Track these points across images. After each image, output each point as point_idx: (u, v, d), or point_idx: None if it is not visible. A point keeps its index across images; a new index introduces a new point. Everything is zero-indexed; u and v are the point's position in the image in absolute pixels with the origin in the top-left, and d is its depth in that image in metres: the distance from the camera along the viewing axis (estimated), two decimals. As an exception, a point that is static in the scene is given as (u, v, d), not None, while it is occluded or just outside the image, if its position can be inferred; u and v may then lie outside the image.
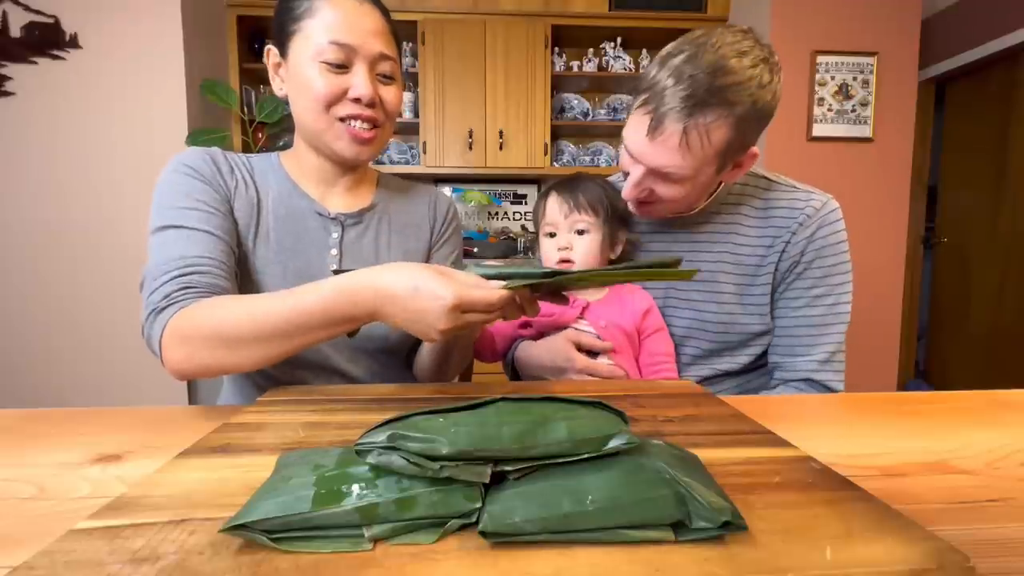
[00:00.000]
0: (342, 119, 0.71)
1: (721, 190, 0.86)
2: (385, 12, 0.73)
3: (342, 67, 0.69)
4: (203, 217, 0.67)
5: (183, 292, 0.60)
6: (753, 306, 0.85)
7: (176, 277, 0.61)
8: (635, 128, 0.73)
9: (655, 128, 0.70)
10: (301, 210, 0.77)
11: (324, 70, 0.68)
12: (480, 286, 0.50)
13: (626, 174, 0.80)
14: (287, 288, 0.72)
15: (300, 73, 0.70)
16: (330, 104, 0.70)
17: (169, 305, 0.59)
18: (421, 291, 0.49)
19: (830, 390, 0.83)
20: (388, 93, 0.73)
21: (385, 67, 0.72)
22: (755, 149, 0.76)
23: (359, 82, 0.69)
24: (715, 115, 0.68)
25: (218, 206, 0.70)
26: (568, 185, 0.87)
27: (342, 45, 0.68)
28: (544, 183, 3.16)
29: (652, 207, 0.82)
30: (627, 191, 0.79)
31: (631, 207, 0.85)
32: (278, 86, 0.75)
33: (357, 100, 0.70)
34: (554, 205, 0.86)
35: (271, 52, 0.74)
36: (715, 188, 0.85)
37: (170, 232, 0.65)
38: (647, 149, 0.73)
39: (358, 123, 0.71)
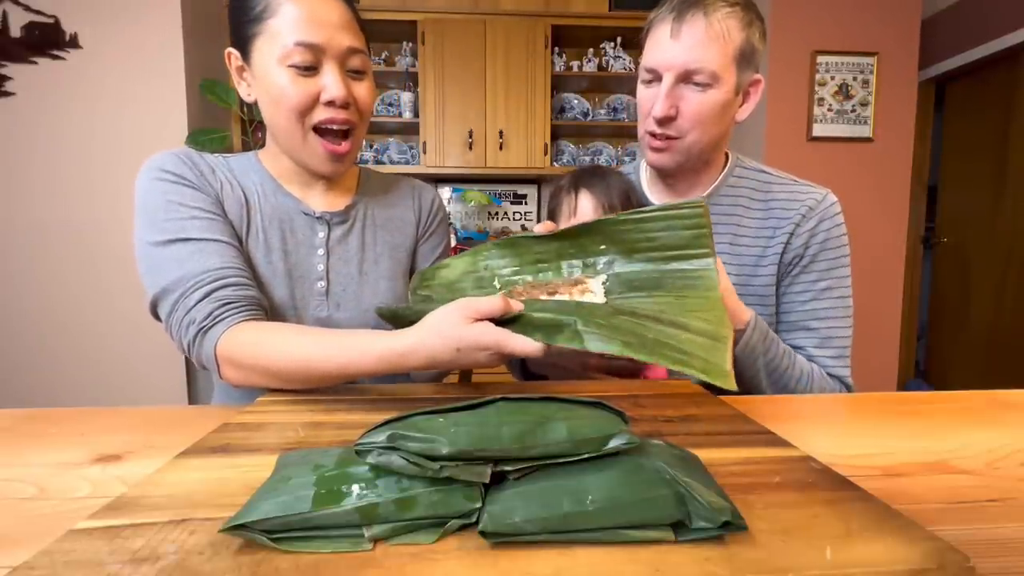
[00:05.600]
0: (316, 129, 0.69)
1: (724, 174, 0.87)
2: (348, 1, 0.70)
3: (311, 69, 0.66)
4: (205, 226, 0.66)
5: (225, 309, 0.62)
6: (755, 296, 0.85)
7: (210, 293, 0.62)
8: (658, 39, 0.78)
9: (679, 29, 0.75)
10: (287, 209, 0.76)
11: (293, 75, 0.65)
12: (518, 338, 0.51)
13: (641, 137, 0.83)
14: (280, 287, 0.73)
15: (267, 79, 0.67)
16: (303, 112, 0.67)
17: (215, 324, 0.61)
18: (464, 351, 0.51)
19: (846, 386, 0.84)
20: (360, 90, 0.70)
21: (355, 62, 0.69)
22: (759, 76, 0.82)
23: (331, 84, 0.66)
24: (728, 7, 0.76)
25: (214, 210, 0.69)
26: (600, 183, 0.84)
27: (309, 45, 0.65)
28: (544, 183, 3.16)
29: (671, 147, 0.81)
30: (659, 106, 0.78)
31: (648, 154, 0.84)
32: (245, 91, 0.72)
33: (331, 103, 0.67)
34: (587, 204, 0.83)
35: (232, 56, 0.71)
36: (725, 159, 0.87)
37: (177, 246, 0.64)
38: (675, 51, 0.76)
39: (333, 127, 0.69)
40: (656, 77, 0.79)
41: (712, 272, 0.59)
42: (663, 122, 0.79)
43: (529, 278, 0.69)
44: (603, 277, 0.64)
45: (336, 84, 0.67)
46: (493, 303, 0.52)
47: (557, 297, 0.61)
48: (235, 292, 0.63)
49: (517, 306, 0.53)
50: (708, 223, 0.60)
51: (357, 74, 0.70)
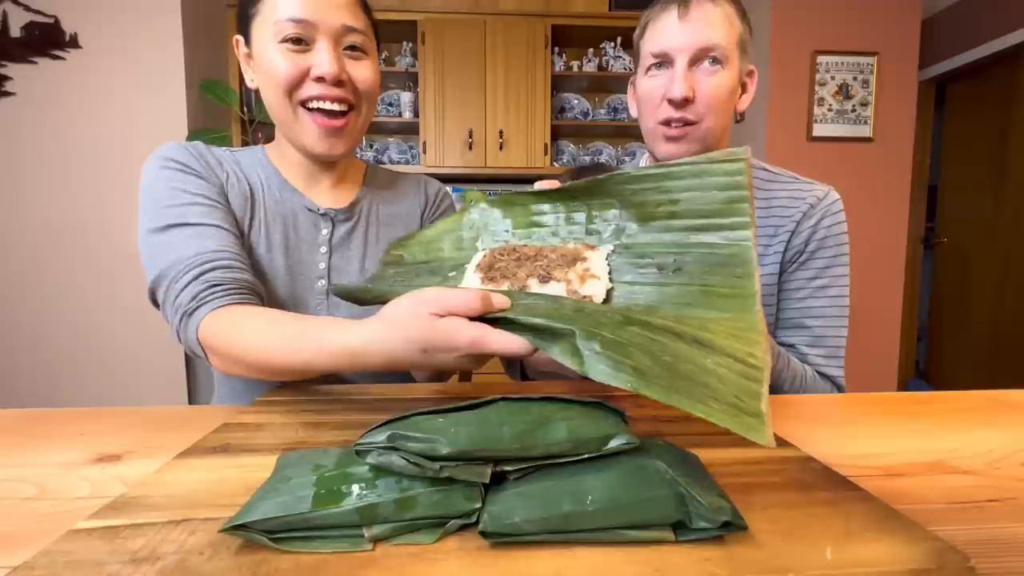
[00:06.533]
0: (306, 105, 0.67)
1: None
2: None
3: (303, 45, 0.65)
4: (206, 212, 0.66)
5: (210, 291, 0.59)
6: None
7: (199, 276, 0.60)
8: (664, 25, 0.78)
9: (686, 13, 0.76)
10: (292, 205, 0.75)
11: (285, 51, 0.64)
12: (500, 334, 0.41)
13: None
14: (280, 285, 0.72)
15: (262, 58, 0.66)
16: (292, 87, 0.66)
17: (199, 307, 0.59)
18: (431, 352, 0.43)
19: (837, 386, 0.83)
20: (358, 69, 0.68)
21: (353, 39, 0.67)
22: (754, 67, 0.83)
23: (320, 59, 0.65)
24: None
25: (217, 198, 0.68)
26: None
27: (300, 21, 0.64)
28: (544, 183, 3.16)
29: (688, 134, 0.79)
30: (678, 87, 0.75)
31: (662, 146, 0.81)
32: (250, 78, 0.71)
33: (321, 80, 0.65)
34: None
35: (239, 43, 0.71)
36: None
37: (175, 231, 0.63)
38: (686, 32, 0.76)
39: (325, 104, 0.67)
40: (667, 61, 0.77)
41: (748, 249, 0.45)
42: (682, 104, 0.76)
43: (518, 242, 0.59)
44: (609, 248, 0.54)
45: (327, 60, 0.65)
46: (467, 301, 0.41)
47: (552, 287, 0.50)
48: (224, 274, 0.61)
49: (500, 302, 0.42)
50: (748, 183, 0.46)
51: (356, 54, 0.69)
